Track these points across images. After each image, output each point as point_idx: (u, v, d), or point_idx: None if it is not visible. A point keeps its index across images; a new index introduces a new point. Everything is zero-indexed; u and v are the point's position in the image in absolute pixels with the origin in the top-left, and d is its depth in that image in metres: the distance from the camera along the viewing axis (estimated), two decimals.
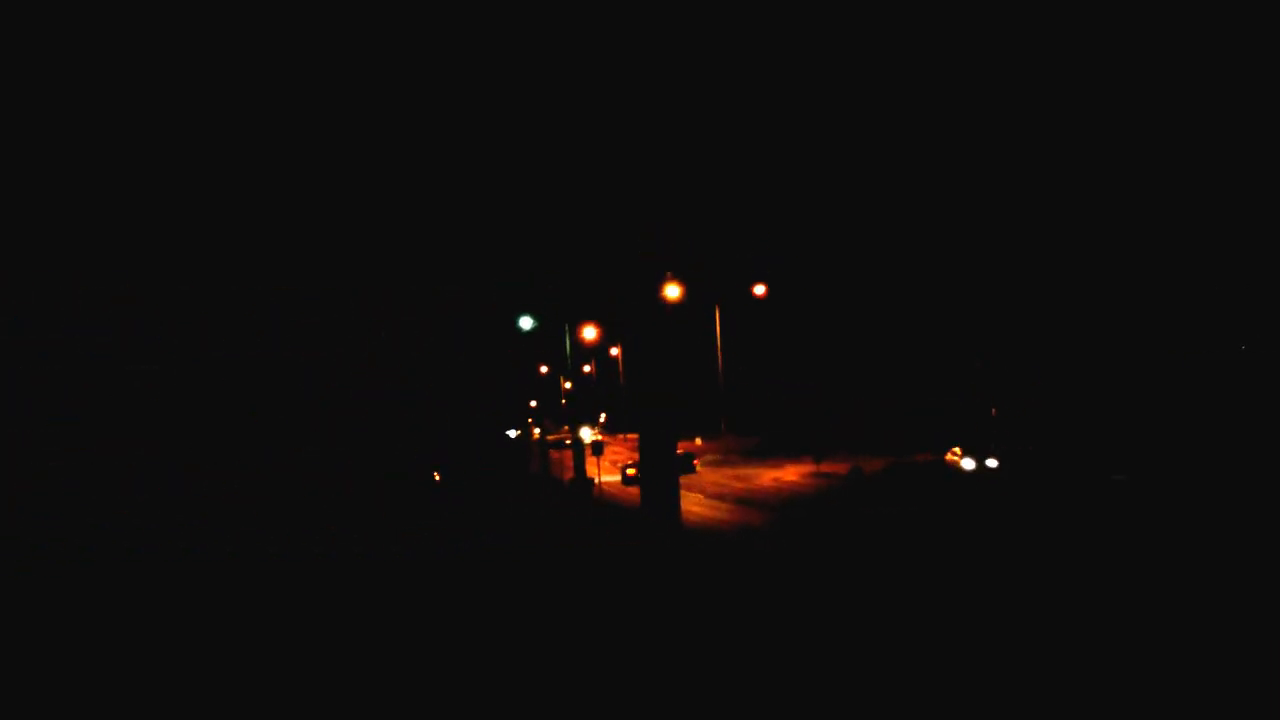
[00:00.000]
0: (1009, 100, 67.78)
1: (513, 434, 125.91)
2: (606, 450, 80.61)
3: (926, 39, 69.50)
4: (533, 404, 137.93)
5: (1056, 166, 66.04)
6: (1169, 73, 58.32)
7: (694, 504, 47.29)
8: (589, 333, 69.48)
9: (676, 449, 36.73)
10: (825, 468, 61.71)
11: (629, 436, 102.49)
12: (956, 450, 56.39)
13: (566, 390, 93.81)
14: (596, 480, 57.15)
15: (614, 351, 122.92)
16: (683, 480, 40.14)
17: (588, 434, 71.33)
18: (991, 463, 53.44)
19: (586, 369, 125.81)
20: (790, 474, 63.11)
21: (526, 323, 50.27)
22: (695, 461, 69.91)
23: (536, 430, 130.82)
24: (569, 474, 64.29)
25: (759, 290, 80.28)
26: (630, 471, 68.39)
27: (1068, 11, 61.19)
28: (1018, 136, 67.83)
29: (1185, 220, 59.06)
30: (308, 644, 19.34)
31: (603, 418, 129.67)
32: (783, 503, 47.59)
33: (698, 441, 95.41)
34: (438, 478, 66.86)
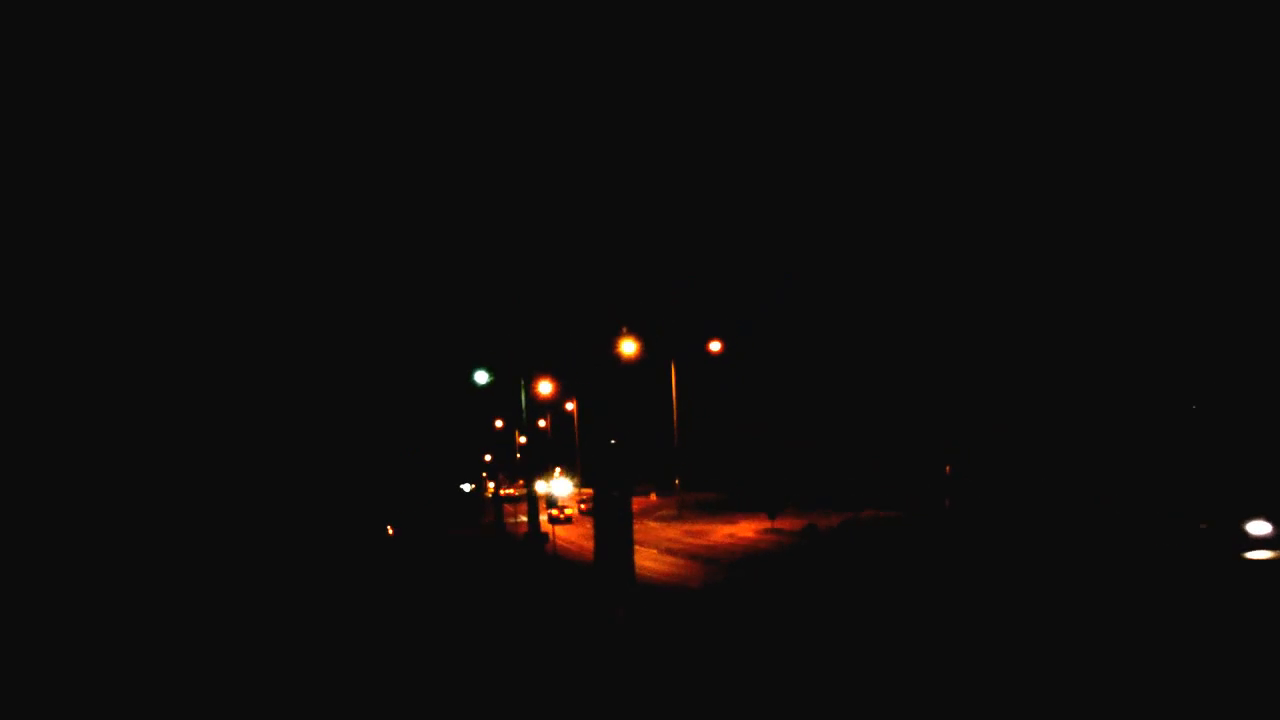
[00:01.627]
0: (962, 142, 68.85)
1: (467, 488, 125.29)
2: (561, 503, 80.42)
3: (876, 91, 70.58)
4: (487, 458, 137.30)
5: (1011, 209, 66.93)
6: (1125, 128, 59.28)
7: (648, 559, 47.23)
8: (544, 387, 69.47)
9: (632, 504, 36.79)
10: (780, 524, 61.84)
11: (584, 491, 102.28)
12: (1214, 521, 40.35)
13: (521, 444, 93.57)
14: (551, 535, 56.99)
15: (569, 406, 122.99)
16: (637, 536, 40.13)
17: (544, 487, 71.65)
18: None
19: (541, 423, 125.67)
20: (745, 530, 63.15)
21: (482, 377, 50.20)
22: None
23: (491, 484, 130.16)
24: (524, 528, 64.10)
25: (715, 346, 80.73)
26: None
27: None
28: (973, 176, 68.81)
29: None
30: (264, 696, 19.15)
31: (557, 472, 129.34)
32: (737, 559, 47.61)
33: (653, 497, 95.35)
34: (391, 531, 66.43)
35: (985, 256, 69.75)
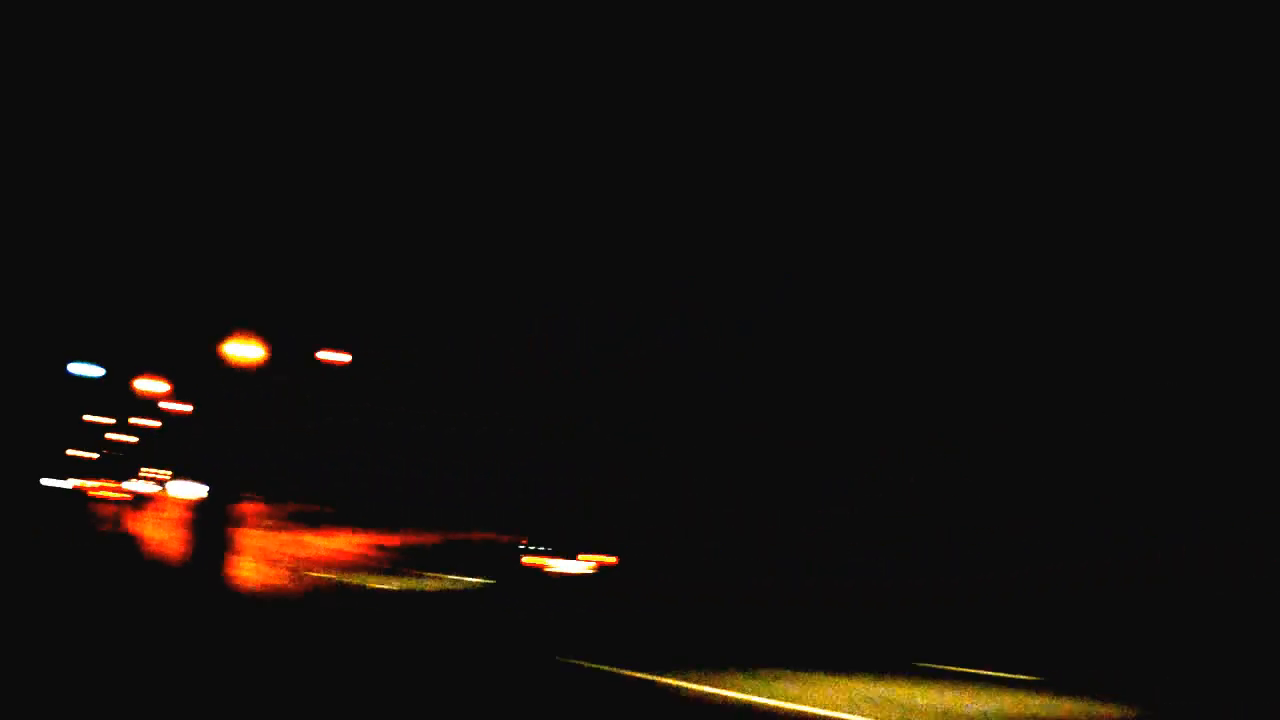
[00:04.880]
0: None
1: (60, 484, 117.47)
2: (155, 507, 77.09)
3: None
4: (84, 455, 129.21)
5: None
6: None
7: (244, 569, 46.61)
8: (152, 385, 66.71)
9: (234, 510, 36.46)
10: (383, 539, 62.32)
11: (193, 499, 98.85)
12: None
13: (118, 443, 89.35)
14: (139, 536, 54.97)
15: (184, 407, 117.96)
16: (238, 544, 39.70)
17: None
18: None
19: (152, 424, 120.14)
20: (345, 544, 63.21)
21: (79, 369, 47.84)
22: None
23: (87, 483, 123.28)
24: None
25: (332, 357, 79.69)
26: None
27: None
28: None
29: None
30: None
31: (168, 474, 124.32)
32: (332, 571, 47.86)
33: (261, 505, 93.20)
34: None
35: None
